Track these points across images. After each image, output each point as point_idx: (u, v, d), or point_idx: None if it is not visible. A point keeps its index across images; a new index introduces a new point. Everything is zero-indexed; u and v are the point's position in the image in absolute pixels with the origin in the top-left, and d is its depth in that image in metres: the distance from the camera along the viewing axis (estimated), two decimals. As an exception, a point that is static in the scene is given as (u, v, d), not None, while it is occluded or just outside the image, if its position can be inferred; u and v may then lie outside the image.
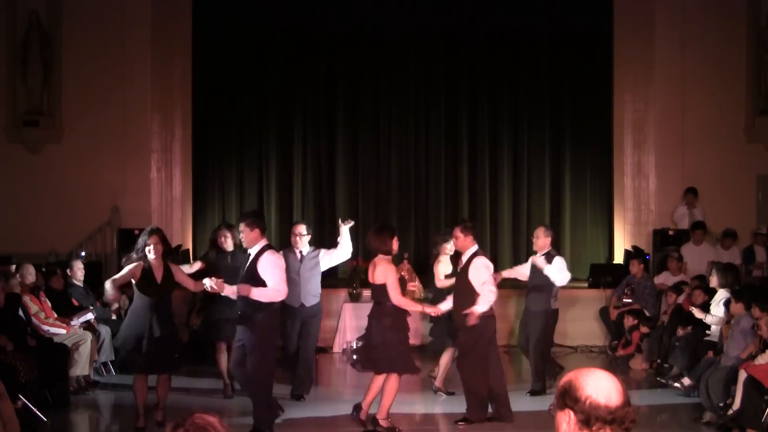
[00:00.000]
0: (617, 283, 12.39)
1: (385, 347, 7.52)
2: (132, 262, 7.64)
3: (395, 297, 7.48)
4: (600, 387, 2.43)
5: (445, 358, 9.33)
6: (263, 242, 7.46)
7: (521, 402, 8.85)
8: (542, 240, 9.51)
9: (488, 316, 8.04)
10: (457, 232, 8.24)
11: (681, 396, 9.22)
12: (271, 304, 7.39)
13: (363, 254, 13.98)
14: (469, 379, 8.04)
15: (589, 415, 2.40)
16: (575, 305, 12.65)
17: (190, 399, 9.05)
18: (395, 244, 7.70)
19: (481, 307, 7.90)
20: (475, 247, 8.20)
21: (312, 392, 9.54)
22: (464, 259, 8.22)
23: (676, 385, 9.32)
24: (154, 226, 8.45)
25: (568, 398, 2.45)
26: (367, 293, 10.43)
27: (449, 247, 9.13)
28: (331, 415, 8.52)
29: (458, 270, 8.44)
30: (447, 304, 8.19)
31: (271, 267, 7.33)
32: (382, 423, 7.62)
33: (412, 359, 7.76)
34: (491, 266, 8.21)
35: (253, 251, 7.46)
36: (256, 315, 7.33)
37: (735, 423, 7.57)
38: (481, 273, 7.99)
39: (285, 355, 9.70)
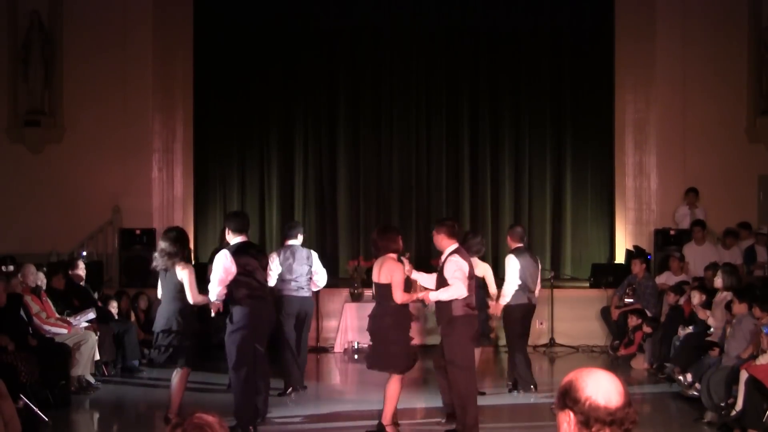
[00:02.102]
0: (618, 283, 12.37)
1: (386, 346, 7.42)
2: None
3: (399, 295, 7.26)
4: (600, 388, 2.42)
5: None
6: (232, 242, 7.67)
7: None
8: (509, 240, 9.57)
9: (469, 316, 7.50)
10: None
11: (681, 395, 9.21)
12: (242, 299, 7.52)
13: (364, 254, 13.99)
14: (459, 386, 7.51)
15: (588, 416, 2.39)
16: (576, 305, 12.64)
17: (192, 396, 9.05)
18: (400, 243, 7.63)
19: (437, 294, 7.43)
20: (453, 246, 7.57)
21: (313, 391, 9.58)
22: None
23: (680, 378, 9.29)
24: (174, 226, 8.79)
25: (569, 399, 2.44)
26: (368, 293, 10.39)
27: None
28: (335, 417, 8.54)
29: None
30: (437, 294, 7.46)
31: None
32: (389, 429, 7.47)
33: (411, 360, 7.57)
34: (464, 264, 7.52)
35: None
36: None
37: (737, 423, 7.56)
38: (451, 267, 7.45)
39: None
